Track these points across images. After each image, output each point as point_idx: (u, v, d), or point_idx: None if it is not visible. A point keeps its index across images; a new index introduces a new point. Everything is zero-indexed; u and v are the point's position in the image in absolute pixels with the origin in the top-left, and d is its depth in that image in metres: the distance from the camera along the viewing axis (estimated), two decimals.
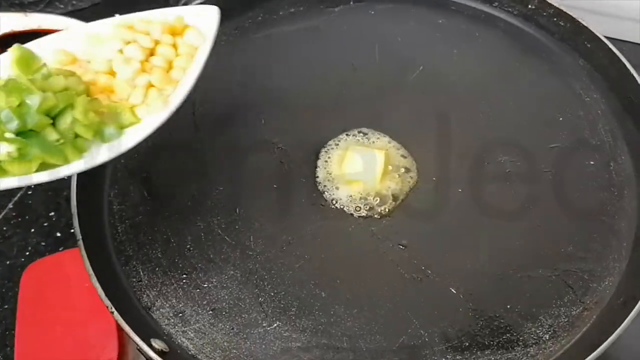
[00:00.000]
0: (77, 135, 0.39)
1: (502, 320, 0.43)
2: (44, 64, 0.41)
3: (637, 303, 0.40)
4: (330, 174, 0.51)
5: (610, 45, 0.54)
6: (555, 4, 0.57)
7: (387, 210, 0.49)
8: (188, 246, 0.48)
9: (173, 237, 0.48)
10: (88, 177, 0.49)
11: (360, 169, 0.50)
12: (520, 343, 0.43)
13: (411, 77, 0.57)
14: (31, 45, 0.42)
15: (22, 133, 0.37)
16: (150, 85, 0.42)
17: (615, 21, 0.72)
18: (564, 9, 0.57)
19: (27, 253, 0.61)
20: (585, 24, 0.55)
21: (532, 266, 0.46)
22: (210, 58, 0.60)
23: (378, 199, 0.50)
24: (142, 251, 0.47)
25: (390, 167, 0.51)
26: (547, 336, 0.43)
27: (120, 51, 0.42)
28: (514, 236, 0.47)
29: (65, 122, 0.38)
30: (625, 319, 0.40)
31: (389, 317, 0.44)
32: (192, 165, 0.52)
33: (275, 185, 0.51)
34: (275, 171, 0.51)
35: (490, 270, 0.46)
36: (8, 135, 0.36)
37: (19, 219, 0.63)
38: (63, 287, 0.54)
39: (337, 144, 0.53)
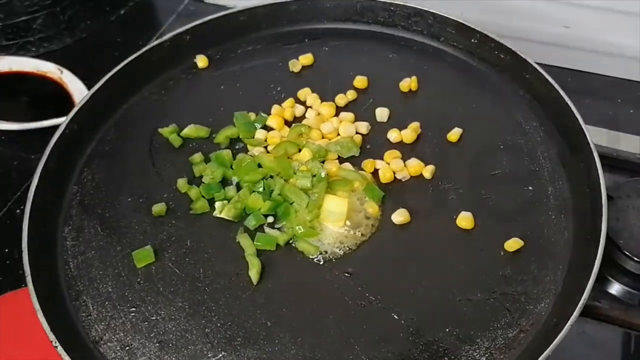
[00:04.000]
0: None
1: (440, 344, 0.44)
2: None
3: (567, 323, 0.42)
4: None
5: (547, 76, 0.56)
6: (495, 38, 0.60)
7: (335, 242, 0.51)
8: (139, 279, 0.49)
9: (124, 271, 0.49)
10: (42, 213, 0.51)
11: None
12: None
13: (362, 109, 0.60)
14: None
15: None
16: None
17: (563, 51, 0.75)
18: (504, 42, 0.59)
19: None
20: (524, 56, 0.58)
21: (472, 290, 0.47)
22: (168, 94, 0.62)
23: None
24: (92, 286, 0.48)
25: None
26: (484, 358, 0.44)
27: None
28: (456, 261, 0.49)
29: None
30: (555, 338, 0.41)
31: (332, 343, 0.45)
32: (147, 200, 0.54)
33: (225, 218, 0.52)
34: None
35: (431, 294, 0.47)
36: None
37: None
38: (21, 324, 0.55)
39: None
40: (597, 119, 0.70)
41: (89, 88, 0.73)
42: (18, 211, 0.67)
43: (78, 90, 0.74)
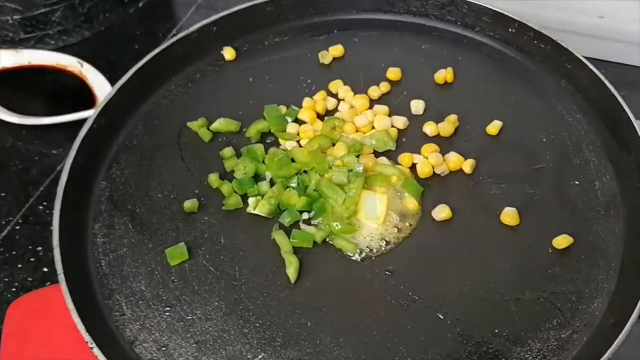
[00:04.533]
0: None
1: (490, 346, 0.43)
2: None
3: (626, 324, 0.40)
4: None
5: (591, 66, 0.54)
6: (535, 27, 0.58)
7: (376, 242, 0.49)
8: (172, 278, 0.47)
9: (157, 269, 0.48)
10: (71, 210, 0.49)
11: None
12: None
13: (396, 102, 0.58)
14: None
15: None
16: None
17: (597, 42, 0.73)
18: (544, 32, 0.57)
19: (14, 289, 0.60)
20: (565, 46, 0.56)
21: (520, 289, 0.45)
22: (195, 87, 0.60)
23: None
24: (125, 284, 0.47)
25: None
26: None
27: None
28: (502, 259, 0.47)
29: None
30: (615, 340, 0.39)
31: (376, 344, 0.43)
32: (177, 196, 0.52)
33: (259, 215, 0.50)
34: None
35: (477, 294, 0.45)
36: None
37: (6, 255, 0.62)
38: (48, 323, 0.54)
39: None
40: (634, 110, 0.68)
41: (110, 81, 0.72)
42: (40, 207, 0.66)
43: (99, 84, 0.73)
